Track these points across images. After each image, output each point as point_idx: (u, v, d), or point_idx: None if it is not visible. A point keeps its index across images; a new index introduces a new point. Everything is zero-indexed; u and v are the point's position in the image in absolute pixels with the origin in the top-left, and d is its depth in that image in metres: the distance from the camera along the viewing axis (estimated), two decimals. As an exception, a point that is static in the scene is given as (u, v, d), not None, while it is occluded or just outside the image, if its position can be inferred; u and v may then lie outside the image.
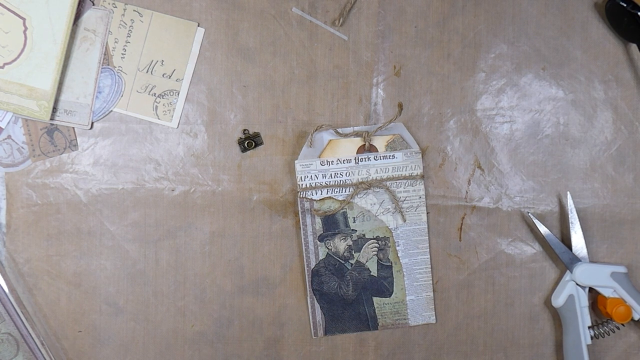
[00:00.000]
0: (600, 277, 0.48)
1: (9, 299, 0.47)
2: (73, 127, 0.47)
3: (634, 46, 0.49)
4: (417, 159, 0.48)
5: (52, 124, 0.47)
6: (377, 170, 0.48)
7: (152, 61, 0.47)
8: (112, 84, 0.47)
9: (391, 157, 0.48)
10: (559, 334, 0.50)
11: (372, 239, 0.49)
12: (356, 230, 0.48)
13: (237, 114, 0.48)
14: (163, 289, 0.48)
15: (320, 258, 0.48)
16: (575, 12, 0.49)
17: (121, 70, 0.47)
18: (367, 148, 0.48)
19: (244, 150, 0.48)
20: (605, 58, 0.50)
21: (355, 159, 0.48)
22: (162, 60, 0.47)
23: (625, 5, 0.46)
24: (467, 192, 0.49)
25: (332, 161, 0.48)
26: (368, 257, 0.49)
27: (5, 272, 0.47)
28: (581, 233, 0.49)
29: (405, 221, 0.48)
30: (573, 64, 0.49)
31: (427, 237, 0.49)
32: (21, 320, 0.47)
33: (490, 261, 0.50)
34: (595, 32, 0.50)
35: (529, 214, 0.49)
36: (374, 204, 0.48)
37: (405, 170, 0.48)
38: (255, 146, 0.48)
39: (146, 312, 0.48)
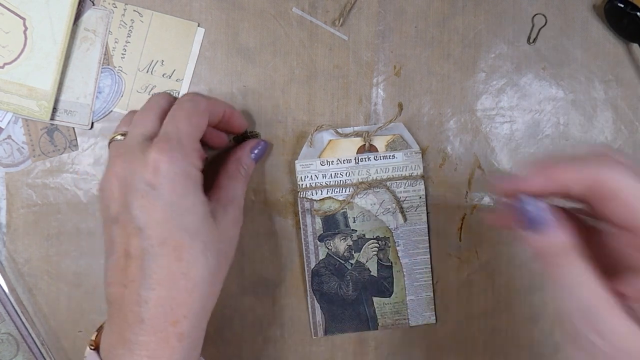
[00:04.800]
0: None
1: (9, 299, 0.47)
2: (73, 127, 0.47)
3: (634, 46, 0.49)
4: (417, 159, 0.48)
5: (52, 124, 0.47)
6: (377, 170, 0.48)
7: (152, 61, 0.47)
8: (112, 84, 0.47)
9: (391, 157, 0.48)
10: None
11: (372, 239, 0.49)
12: (356, 230, 0.48)
13: (237, 114, 0.48)
14: (163, 289, 0.48)
15: (320, 258, 0.48)
16: (575, 12, 0.49)
17: (121, 70, 0.47)
18: (367, 148, 0.48)
19: (244, 150, 0.48)
20: (606, 58, 0.50)
21: (355, 159, 0.48)
22: (162, 61, 0.47)
23: (623, 6, 0.47)
24: (467, 192, 0.49)
25: (332, 161, 0.48)
26: (368, 257, 0.49)
27: (5, 272, 0.47)
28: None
29: (406, 221, 0.48)
30: (573, 64, 0.49)
31: (427, 237, 0.49)
32: (21, 320, 0.47)
33: (490, 261, 0.50)
34: (595, 32, 0.50)
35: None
36: (374, 204, 0.48)
37: (406, 170, 0.48)
38: (256, 146, 0.48)
39: (146, 312, 0.48)
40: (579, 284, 0.28)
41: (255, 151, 0.45)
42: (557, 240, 0.29)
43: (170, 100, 0.40)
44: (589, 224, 0.33)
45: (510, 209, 0.31)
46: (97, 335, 0.38)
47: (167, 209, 0.34)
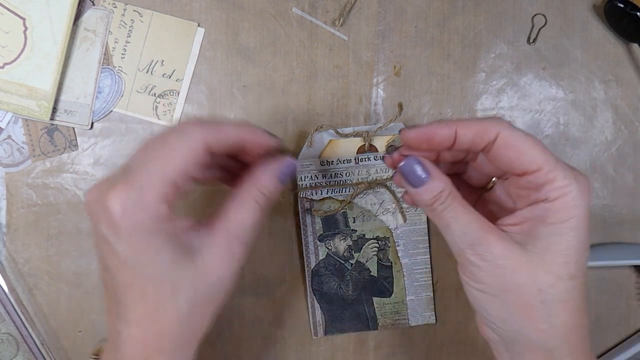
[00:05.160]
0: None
1: (9, 299, 0.47)
2: (73, 127, 0.47)
3: (634, 46, 0.49)
4: (417, 159, 0.48)
5: (52, 124, 0.47)
6: (377, 170, 0.48)
7: (152, 61, 0.47)
8: (112, 84, 0.47)
9: (391, 157, 0.48)
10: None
11: (372, 239, 0.49)
12: (356, 230, 0.48)
13: (237, 114, 0.48)
14: (163, 289, 0.48)
15: (320, 258, 0.48)
16: (575, 12, 0.49)
17: (121, 71, 0.47)
18: (367, 148, 0.48)
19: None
20: (606, 58, 0.50)
21: (355, 159, 0.48)
22: (162, 61, 0.47)
23: (623, 6, 0.47)
24: (467, 192, 0.49)
25: (332, 161, 0.48)
26: (368, 257, 0.49)
27: (5, 272, 0.47)
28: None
29: (406, 221, 0.48)
30: (573, 64, 0.49)
31: (427, 237, 0.49)
32: (21, 320, 0.47)
33: (490, 261, 0.50)
34: (596, 32, 0.50)
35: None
36: (374, 204, 0.48)
37: (405, 171, 0.48)
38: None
39: (146, 312, 0.48)
40: (468, 221, 0.33)
41: (281, 172, 0.37)
42: (441, 187, 0.34)
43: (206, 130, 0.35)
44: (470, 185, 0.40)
45: (399, 171, 0.35)
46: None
47: (126, 259, 0.32)
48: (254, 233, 0.35)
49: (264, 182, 0.36)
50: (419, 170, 0.34)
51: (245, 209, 0.35)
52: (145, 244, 0.32)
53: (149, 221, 0.32)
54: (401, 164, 0.35)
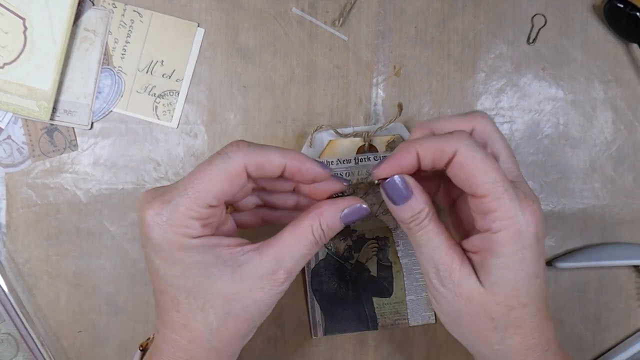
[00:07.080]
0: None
1: (9, 299, 0.47)
2: (73, 127, 0.47)
3: (634, 46, 0.49)
4: (417, 159, 0.48)
5: (52, 124, 0.47)
6: (377, 170, 0.48)
7: (152, 61, 0.47)
8: (112, 84, 0.47)
9: (391, 158, 0.48)
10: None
11: (371, 239, 0.49)
12: (356, 231, 0.48)
13: (237, 114, 0.48)
14: (163, 289, 0.48)
15: (320, 258, 0.48)
16: (575, 12, 0.49)
17: (121, 71, 0.47)
18: (367, 148, 0.48)
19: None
20: (605, 58, 0.50)
21: (355, 159, 0.48)
22: (162, 61, 0.47)
23: (623, 7, 0.47)
24: (466, 192, 0.49)
25: (332, 161, 0.48)
26: (368, 257, 0.49)
27: (5, 272, 0.47)
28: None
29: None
30: (573, 65, 0.50)
31: (427, 237, 0.49)
32: (21, 320, 0.47)
33: (489, 261, 0.50)
34: (595, 33, 0.50)
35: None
36: (374, 204, 0.48)
37: (405, 171, 0.48)
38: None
39: (146, 312, 0.48)
40: (436, 245, 0.34)
41: (348, 215, 0.36)
42: (420, 207, 0.34)
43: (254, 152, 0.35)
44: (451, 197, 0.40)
45: (382, 188, 0.36)
46: None
47: (158, 269, 0.34)
48: (300, 265, 0.35)
49: (327, 217, 0.35)
50: (401, 188, 0.35)
51: (300, 238, 0.35)
52: (174, 259, 0.33)
53: (178, 238, 0.33)
54: (386, 181, 0.35)
